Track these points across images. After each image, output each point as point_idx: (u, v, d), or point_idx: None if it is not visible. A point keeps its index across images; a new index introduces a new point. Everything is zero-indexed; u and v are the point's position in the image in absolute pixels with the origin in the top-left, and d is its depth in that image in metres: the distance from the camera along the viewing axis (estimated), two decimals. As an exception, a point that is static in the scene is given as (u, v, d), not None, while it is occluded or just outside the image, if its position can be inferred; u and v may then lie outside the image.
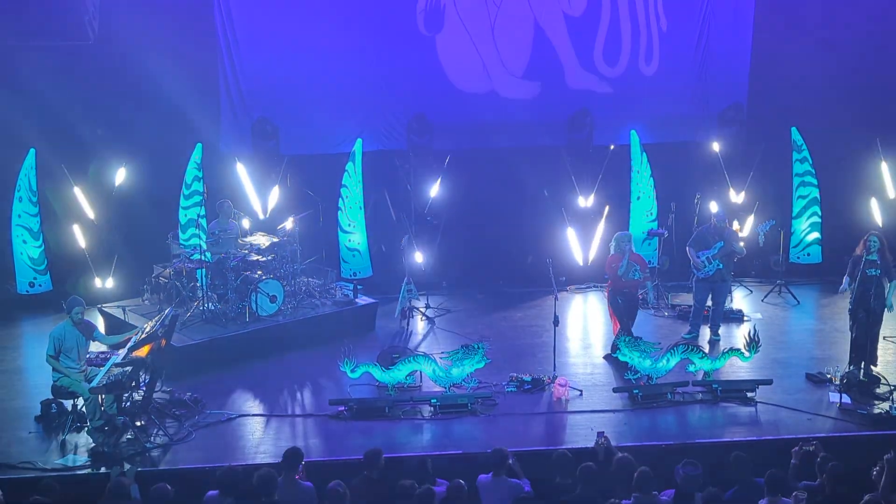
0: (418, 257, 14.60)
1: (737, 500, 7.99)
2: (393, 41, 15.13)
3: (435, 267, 15.09)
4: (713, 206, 14.78)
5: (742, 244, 12.97)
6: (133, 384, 10.13)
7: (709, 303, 13.06)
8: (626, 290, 12.23)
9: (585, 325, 14.25)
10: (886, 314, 11.66)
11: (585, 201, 15.57)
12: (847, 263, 11.69)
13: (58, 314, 10.65)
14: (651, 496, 7.78)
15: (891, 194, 15.61)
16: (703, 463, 8.09)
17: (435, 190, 15.03)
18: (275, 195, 14.99)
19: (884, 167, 15.51)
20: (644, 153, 15.58)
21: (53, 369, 10.36)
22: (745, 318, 13.83)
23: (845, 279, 11.58)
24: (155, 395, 10.69)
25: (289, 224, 13.66)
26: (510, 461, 8.52)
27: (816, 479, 8.22)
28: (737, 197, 15.59)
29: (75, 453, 9.86)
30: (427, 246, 14.87)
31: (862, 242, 11.46)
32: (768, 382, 11.22)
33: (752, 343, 11.50)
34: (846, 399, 10.83)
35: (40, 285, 14.72)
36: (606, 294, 12.59)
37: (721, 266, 12.67)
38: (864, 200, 15.49)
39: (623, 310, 12.25)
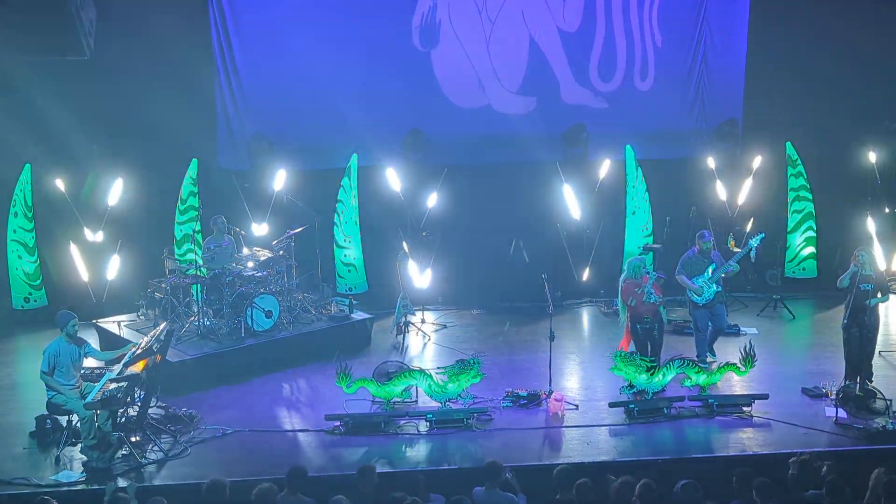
0: (419, 277, 14.68)
1: None
2: (388, 56, 15.16)
3: (430, 282, 15.09)
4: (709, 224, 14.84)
5: (737, 264, 12.58)
6: (128, 400, 10.10)
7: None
8: (645, 317, 11.86)
9: (581, 340, 14.24)
10: (881, 329, 11.69)
11: (581, 216, 15.59)
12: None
13: (53, 329, 10.61)
14: None
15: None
16: (699, 478, 8.07)
17: (432, 200, 15.03)
18: (270, 210, 15.00)
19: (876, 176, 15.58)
20: (639, 168, 15.61)
21: (47, 386, 10.27)
22: (741, 333, 13.83)
23: (847, 275, 11.44)
24: (150, 411, 10.67)
25: (283, 240, 13.66)
26: (507, 475, 8.49)
27: (820, 488, 8.23)
28: (732, 212, 15.62)
29: (70, 469, 9.82)
30: (423, 261, 14.89)
31: (853, 259, 11.48)
32: (764, 397, 11.21)
33: (748, 358, 11.50)
34: (842, 413, 10.83)
35: (35, 300, 14.72)
36: (627, 321, 12.19)
37: (719, 289, 12.43)
38: (859, 215, 15.55)
39: (642, 337, 11.92)
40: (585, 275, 15.61)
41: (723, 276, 12.47)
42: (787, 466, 8.77)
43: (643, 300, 11.82)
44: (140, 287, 13.95)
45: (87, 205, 14.65)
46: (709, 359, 12.46)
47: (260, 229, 14.85)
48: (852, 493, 8.05)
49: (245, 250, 13.90)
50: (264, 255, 13.65)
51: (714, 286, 12.37)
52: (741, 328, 13.97)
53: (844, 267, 11.87)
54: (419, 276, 14.70)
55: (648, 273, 11.96)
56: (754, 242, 12.71)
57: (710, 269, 12.37)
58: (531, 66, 15.48)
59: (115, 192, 14.45)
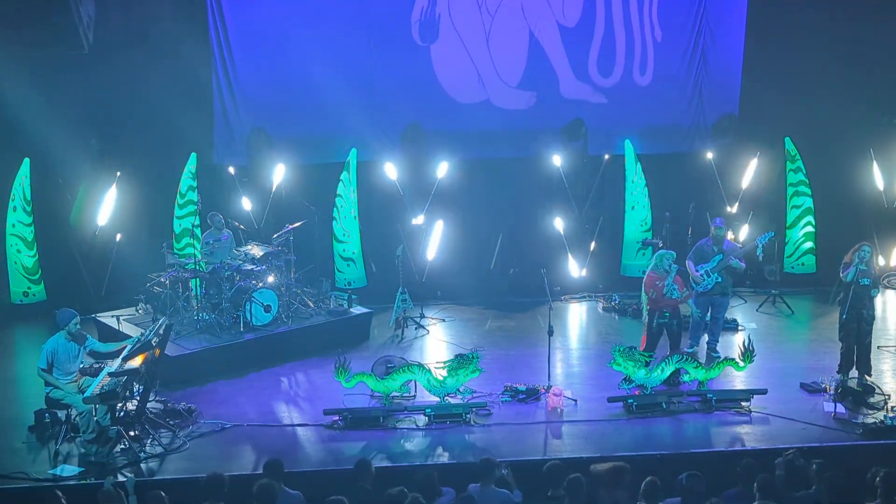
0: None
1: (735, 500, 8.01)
2: (388, 51, 15.15)
3: (429, 276, 15.10)
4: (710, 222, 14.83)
5: (742, 261, 12.52)
6: (127, 394, 10.10)
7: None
8: (665, 311, 11.81)
9: (580, 334, 14.24)
10: (876, 323, 11.70)
11: (580, 211, 15.59)
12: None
13: (52, 324, 10.61)
14: None
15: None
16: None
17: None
18: (269, 205, 15.00)
19: (875, 171, 15.57)
20: (638, 163, 15.61)
21: (45, 382, 10.31)
22: (740, 328, 13.84)
23: (853, 269, 11.38)
24: (149, 405, 10.67)
25: (282, 234, 13.67)
26: (503, 471, 8.47)
27: (810, 487, 8.22)
28: (731, 207, 15.62)
29: (68, 463, 9.82)
30: (421, 255, 14.90)
31: (852, 251, 11.48)
32: (763, 392, 11.20)
33: (747, 353, 11.49)
34: (841, 408, 10.84)
35: (34, 295, 14.71)
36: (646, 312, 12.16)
37: (720, 280, 12.36)
38: (858, 209, 15.54)
39: (656, 331, 11.91)
40: (584, 269, 15.61)
41: (726, 267, 12.38)
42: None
43: (663, 293, 11.78)
44: (139, 281, 13.95)
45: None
46: (710, 354, 12.45)
47: (258, 224, 14.85)
48: (850, 489, 8.06)
49: (244, 246, 13.89)
50: (263, 249, 13.64)
51: (715, 276, 12.33)
52: (740, 323, 13.98)
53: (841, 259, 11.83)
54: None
55: (670, 268, 11.84)
56: (762, 240, 12.67)
57: (717, 259, 12.34)
58: (530, 61, 15.47)
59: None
